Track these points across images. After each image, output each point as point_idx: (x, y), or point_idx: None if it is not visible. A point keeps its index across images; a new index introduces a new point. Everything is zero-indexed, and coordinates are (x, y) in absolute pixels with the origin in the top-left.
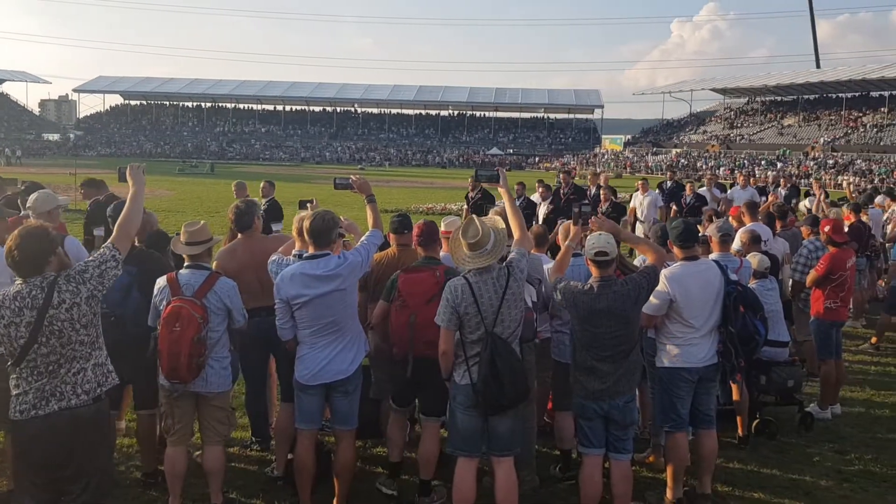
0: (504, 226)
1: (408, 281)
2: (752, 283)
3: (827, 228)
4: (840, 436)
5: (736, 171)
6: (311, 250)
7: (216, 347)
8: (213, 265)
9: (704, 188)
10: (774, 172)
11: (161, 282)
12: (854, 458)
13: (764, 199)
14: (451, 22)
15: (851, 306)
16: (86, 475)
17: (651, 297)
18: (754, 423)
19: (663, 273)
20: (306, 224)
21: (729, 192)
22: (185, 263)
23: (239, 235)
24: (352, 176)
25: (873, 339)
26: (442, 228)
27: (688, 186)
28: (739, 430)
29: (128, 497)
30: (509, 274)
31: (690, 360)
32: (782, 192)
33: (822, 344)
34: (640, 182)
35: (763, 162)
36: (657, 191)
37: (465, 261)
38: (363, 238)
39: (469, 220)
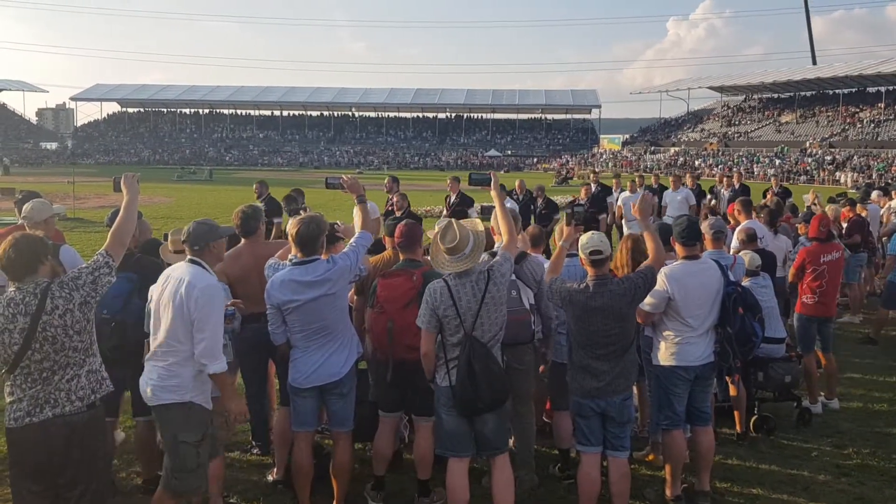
0: (483, 227)
1: (385, 286)
2: (745, 282)
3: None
4: (838, 430)
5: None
6: (299, 255)
7: None
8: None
9: (626, 191)
10: (719, 170)
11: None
12: (852, 453)
13: (706, 199)
14: (443, 24)
15: (850, 302)
16: (83, 482)
17: (649, 295)
18: (752, 420)
19: (662, 271)
20: (292, 231)
21: (664, 194)
22: None
23: (242, 240)
24: (343, 176)
25: (871, 334)
26: (435, 231)
27: (583, 190)
28: (737, 427)
29: (128, 503)
30: (489, 278)
31: (687, 359)
32: (725, 193)
33: (801, 338)
34: (518, 182)
35: (767, 160)
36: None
37: (443, 265)
38: (351, 241)
39: (447, 225)
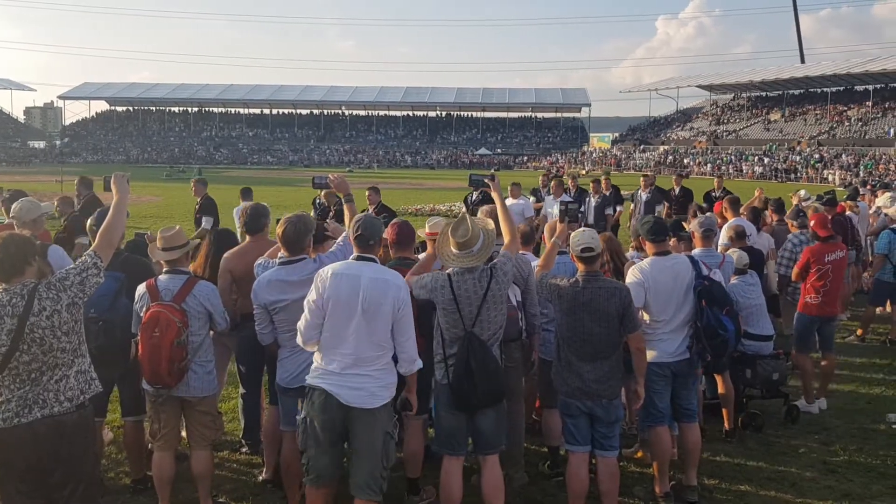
0: (493, 227)
1: None
2: (734, 280)
3: (812, 223)
4: (825, 427)
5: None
6: (286, 255)
7: (199, 352)
8: (221, 266)
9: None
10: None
11: (141, 288)
12: (839, 449)
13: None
14: (433, 23)
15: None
16: (72, 482)
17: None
18: (740, 417)
19: (634, 267)
20: (279, 231)
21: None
22: (164, 269)
23: (247, 238)
24: (329, 175)
25: (858, 331)
26: (427, 230)
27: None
28: (726, 424)
29: (117, 503)
30: (491, 276)
31: (660, 356)
32: (643, 195)
33: (800, 337)
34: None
35: (755, 158)
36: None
37: (451, 259)
38: (338, 240)
39: (460, 219)
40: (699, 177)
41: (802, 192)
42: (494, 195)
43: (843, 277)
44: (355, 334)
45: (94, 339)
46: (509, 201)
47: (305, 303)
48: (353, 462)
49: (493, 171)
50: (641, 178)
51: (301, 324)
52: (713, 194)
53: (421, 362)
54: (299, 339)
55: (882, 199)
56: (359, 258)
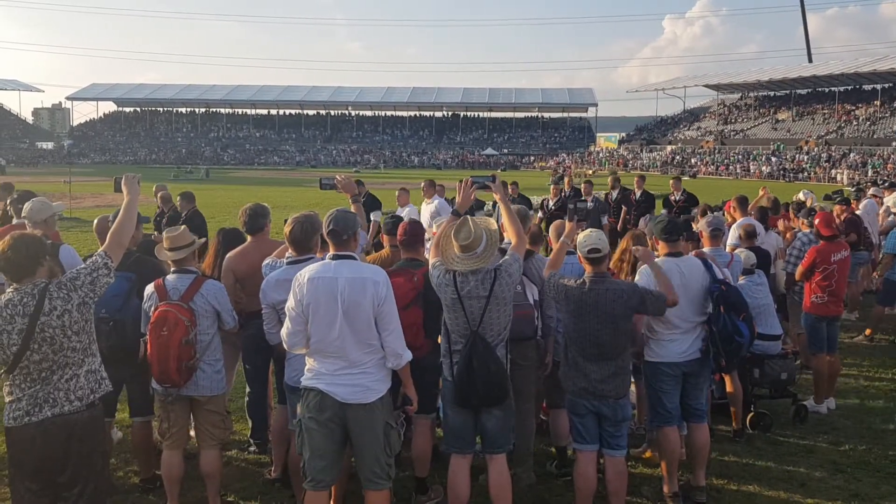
0: (496, 226)
1: None
2: (741, 280)
3: (816, 221)
4: (834, 427)
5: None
6: (294, 254)
7: (208, 351)
8: (223, 266)
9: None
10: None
11: (149, 288)
12: (848, 450)
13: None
14: (439, 23)
15: (848, 300)
16: (81, 481)
17: (638, 279)
18: (749, 417)
19: (645, 266)
20: (286, 231)
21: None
22: (171, 269)
23: (248, 238)
24: (336, 176)
25: (867, 331)
26: (434, 230)
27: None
28: (734, 424)
29: (126, 502)
30: (495, 277)
31: (669, 356)
32: (589, 203)
33: (811, 337)
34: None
35: (763, 157)
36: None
37: (455, 262)
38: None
39: (462, 221)
40: (705, 176)
41: (803, 193)
42: (497, 196)
43: (847, 277)
44: (340, 337)
45: (105, 339)
46: (425, 204)
47: (286, 309)
48: (357, 457)
49: (495, 171)
50: (583, 185)
51: (284, 331)
52: (672, 198)
53: (410, 355)
54: (285, 345)
55: (890, 198)
56: (335, 257)
